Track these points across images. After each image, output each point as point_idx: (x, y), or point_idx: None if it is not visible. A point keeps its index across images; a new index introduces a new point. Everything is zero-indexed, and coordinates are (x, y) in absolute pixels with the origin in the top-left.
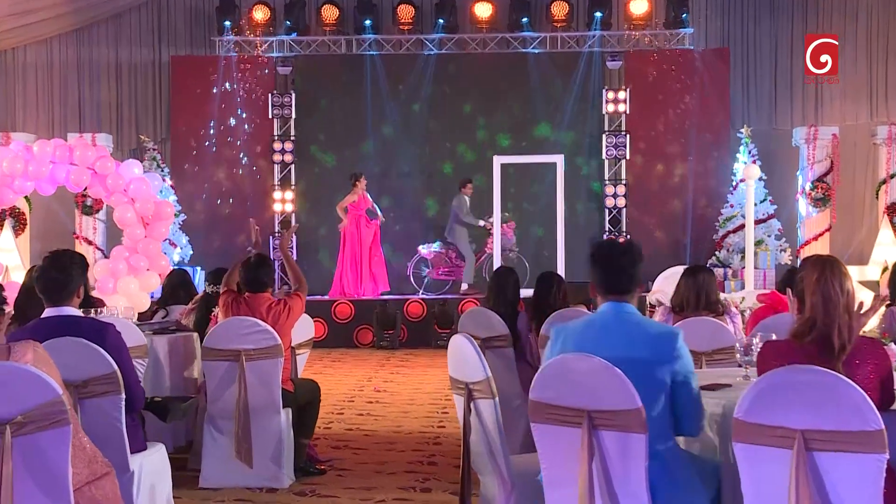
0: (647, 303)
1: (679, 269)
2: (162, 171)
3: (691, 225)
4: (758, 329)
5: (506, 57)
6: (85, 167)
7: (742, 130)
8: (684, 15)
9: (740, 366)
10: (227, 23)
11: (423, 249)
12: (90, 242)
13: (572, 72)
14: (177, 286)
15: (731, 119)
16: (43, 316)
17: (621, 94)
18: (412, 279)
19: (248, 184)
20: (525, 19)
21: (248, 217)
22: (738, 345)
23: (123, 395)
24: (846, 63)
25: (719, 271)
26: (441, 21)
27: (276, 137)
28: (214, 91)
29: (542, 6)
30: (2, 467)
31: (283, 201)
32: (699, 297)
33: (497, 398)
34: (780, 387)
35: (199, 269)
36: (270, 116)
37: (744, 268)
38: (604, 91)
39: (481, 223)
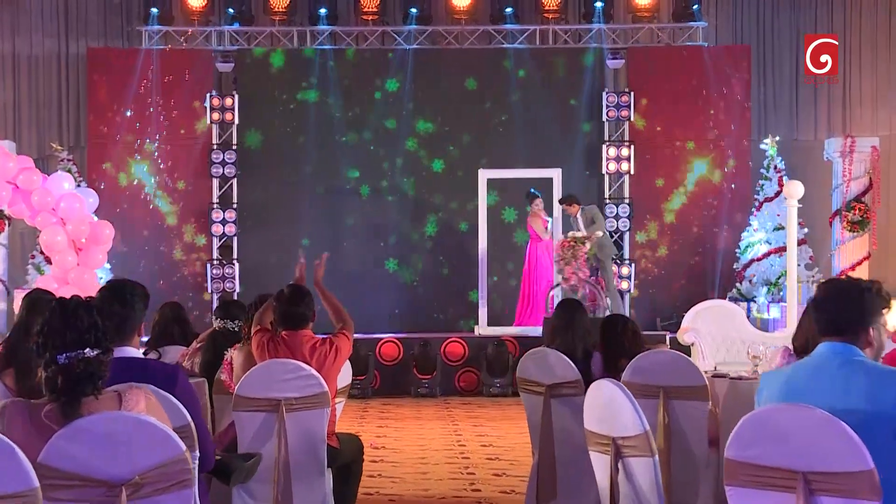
0: (666, 341)
1: (711, 304)
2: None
3: (708, 252)
4: None
5: (488, 53)
6: (5, 181)
7: (767, 141)
8: (695, 6)
9: None
10: (154, 10)
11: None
12: None
13: (566, 72)
14: (170, 322)
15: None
16: None
17: (624, 98)
18: None
19: (181, 201)
20: (509, 10)
21: (185, 238)
22: None
23: (198, 453)
24: (879, 64)
25: (742, 306)
26: (414, 11)
27: (215, 147)
28: (140, 91)
29: None
30: None
31: (224, 222)
32: None
33: (657, 455)
34: None
35: None
36: (209, 122)
37: (772, 301)
38: (604, 94)
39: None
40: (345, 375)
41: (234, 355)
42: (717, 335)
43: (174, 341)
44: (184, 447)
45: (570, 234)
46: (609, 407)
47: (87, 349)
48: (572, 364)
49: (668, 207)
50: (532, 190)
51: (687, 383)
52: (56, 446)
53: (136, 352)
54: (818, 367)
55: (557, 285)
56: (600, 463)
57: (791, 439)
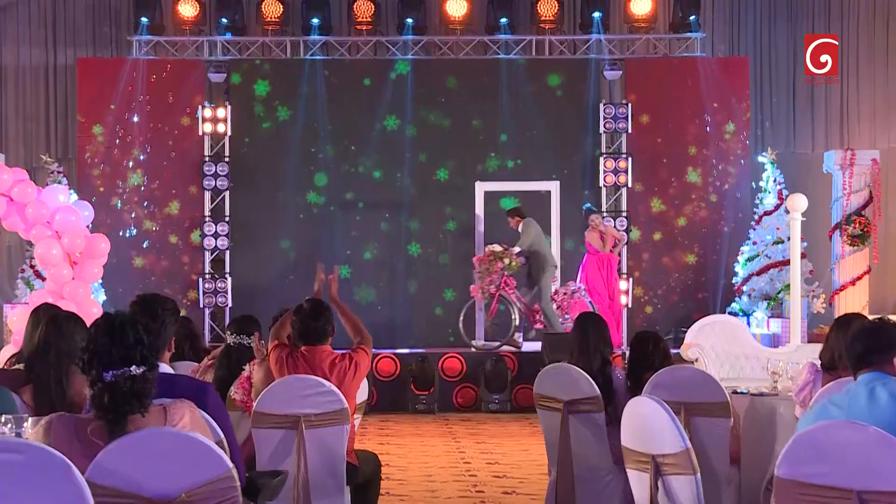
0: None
1: (715, 319)
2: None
3: (706, 266)
4: None
5: (484, 64)
6: None
7: (766, 153)
8: (692, 17)
9: None
10: (145, 19)
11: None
12: None
13: (563, 83)
14: (181, 339)
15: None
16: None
17: (621, 110)
18: None
19: (173, 214)
20: (504, 20)
21: (176, 252)
22: None
23: None
24: (877, 75)
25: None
26: (410, 21)
27: (207, 158)
28: (131, 102)
29: (527, 4)
30: None
31: (217, 235)
32: None
33: (699, 473)
34: None
35: None
36: (200, 133)
37: (772, 316)
38: (601, 106)
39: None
40: (361, 391)
41: (255, 370)
42: (720, 351)
43: (184, 357)
44: (230, 464)
45: (489, 248)
46: (648, 424)
47: (133, 366)
48: (591, 380)
49: (666, 220)
50: (586, 206)
51: (709, 399)
52: (102, 463)
53: (167, 367)
54: (848, 391)
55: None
56: (638, 480)
57: (846, 457)
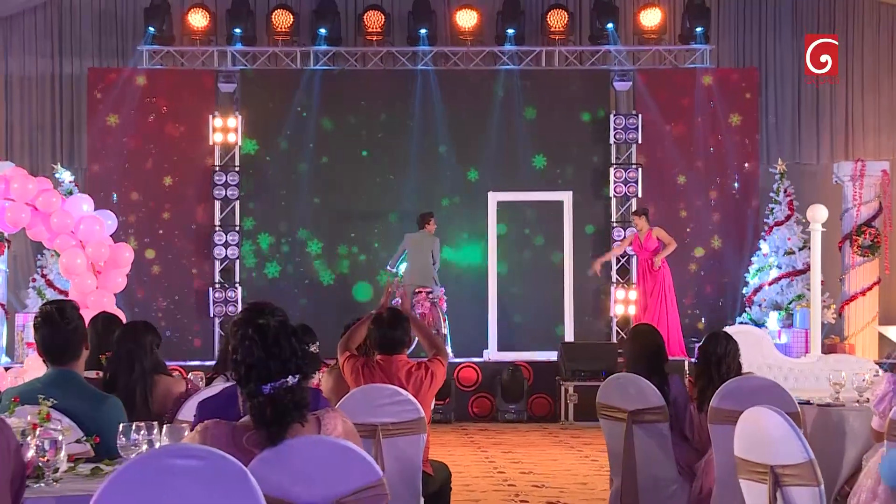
0: (685, 366)
1: (738, 330)
2: None
3: (716, 276)
4: None
5: (494, 75)
6: (24, 203)
7: (776, 165)
8: (698, 29)
9: None
10: (151, 29)
11: None
12: None
13: (572, 94)
14: None
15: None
16: None
17: (631, 121)
18: None
19: (183, 223)
20: (511, 31)
21: (186, 261)
22: None
23: None
24: (882, 86)
25: None
26: (424, 31)
27: (217, 168)
28: (141, 111)
29: (536, 16)
30: None
31: (227, 245)
32: None
33: (822, 485)
34: None
35: None
36: (211, 143)
37: (783, 328)
38: (611, 117)
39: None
40: None
41: (324, 379)
42: (743, 361)
43: None
44: (381, 473)
45: None
46: (764, 433)
47: (290, 377)
48: (657, 390)
49: (676, 231)
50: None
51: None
52: (256, 470)
53: None
54: None
55: None
56: (755, 492)
57: None
